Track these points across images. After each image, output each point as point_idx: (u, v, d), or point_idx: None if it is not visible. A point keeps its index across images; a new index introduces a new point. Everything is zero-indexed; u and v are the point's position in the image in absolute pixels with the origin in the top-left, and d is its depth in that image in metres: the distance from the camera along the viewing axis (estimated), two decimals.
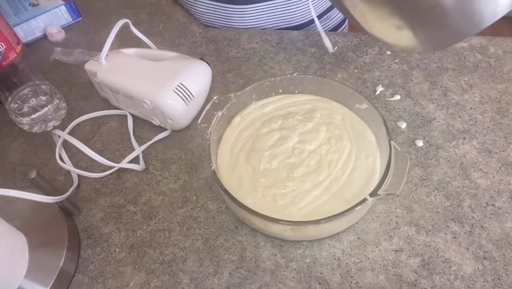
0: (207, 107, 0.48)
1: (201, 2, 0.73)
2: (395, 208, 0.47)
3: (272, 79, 0.51)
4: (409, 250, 0.43)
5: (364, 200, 0.39)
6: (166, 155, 0.55)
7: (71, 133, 0.59)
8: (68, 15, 0.77)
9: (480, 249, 0.43)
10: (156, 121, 0.56)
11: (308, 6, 0.73)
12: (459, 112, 0.54)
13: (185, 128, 0.57)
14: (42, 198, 0.46)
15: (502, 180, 0.48)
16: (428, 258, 0.43)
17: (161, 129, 0.58)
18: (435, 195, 0.47)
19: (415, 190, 0.48)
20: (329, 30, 0.82)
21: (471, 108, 0.54)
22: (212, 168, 0.44)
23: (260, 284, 0.43)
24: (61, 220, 0.48)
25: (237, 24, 0.74)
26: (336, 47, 0.62)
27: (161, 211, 0.50)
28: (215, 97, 0.49)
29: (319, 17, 0.78)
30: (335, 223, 0.41)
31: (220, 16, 0.74)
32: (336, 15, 0.82)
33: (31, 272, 0.44)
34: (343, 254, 0.44)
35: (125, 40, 0.62)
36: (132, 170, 0.54)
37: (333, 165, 0.46)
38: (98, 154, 0.53)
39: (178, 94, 0.53)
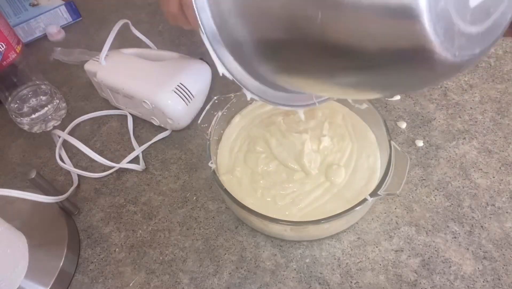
0: (207, 107, 0.48)
1: None
2: (395, 208, 0.47)
3: None
4: (409, 250, 0.43)
5: (364, 200, 0.39)
6: (166, 155, 0.55)
7: (71, 133, 0.59)
8: (68, 15, 0.77)
9: (480, 249, 0.43)
10: (156, 121, 0.56)
11: None
12: (459, 112, 0.54)
13: (185, 128, 0.57)
14: (42, 198, 0.46)
15: (502, 180, 0.48)
16: (428, 258, 0.43)
17: (161, 129, 0.58)
18: (435, 195, 0.47)
19: (415, 190, 0.48)
20: None
21: (471, 108, 0.54)
22: (212, 168, 0.44)
23: (260, 284, 0.43)
24: (61, 220, 0.49)
25: None
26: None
27: (161, 211, 0.50)
28: (215, 97, 0.49)
29: None
30: (335, 223, 0.41)
31: None
32: None
33: (31, 272, 0.44)
34: (343, 254, 0.44)
35: (125, 40, 0.62)
36: (132, 170, 0.54)
37: (335, 166, 0.46)
38: (98, 154, 0.53)
39: (178, 94, 0.53)
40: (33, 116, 0.59)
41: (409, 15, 0.19)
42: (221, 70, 0.33)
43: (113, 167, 0.54)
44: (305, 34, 0.24)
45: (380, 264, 0.43)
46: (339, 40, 0.22)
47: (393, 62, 0.22)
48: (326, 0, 0.21)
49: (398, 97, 0.56)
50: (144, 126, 0.59)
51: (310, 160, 0.46)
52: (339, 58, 0.24)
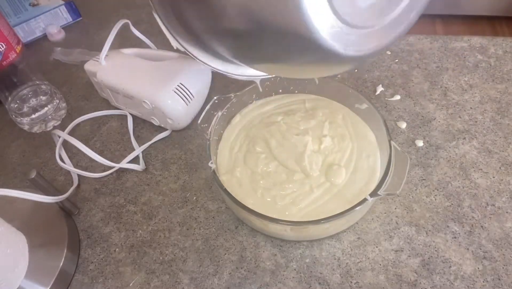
0: (207, 107, 0.48)
1: None
2: (395, 208, 0.47)
3: (272, 79, 0.51)
4: (409, 250, 0.43)
5: (364, 200, 0.39)
6: (166, 155, 0.55)
7: (71, 133, 0.59)
8: (68, 15, 0.77)
9: (480, 249, 0.43)
10: (156, 121, 0.56)
11: None
12: (459, 112, 0.54)
13: (185, 128, 0.57)
14: (42, 198, 0.46)
15: (502, 180, 0.48)
16: (428, 258, 0.43)
17: (161, 129, 0.58)
18: (435, 195, 0.47)
19: (415, 190, 0.48)
20: None
21: (471, 108, 0.54)
22: (212, 168, 0.44)
23: (260, 284, 0.43)
24: (61, 220, 0.49)
25: None
26: None
27: (161, 211, 0.50)
28: (215, 97, 0.49)
29: None
30: (335, 223, 0.41)
31: None
32: None
33: (31, 272, 0.44)
34: (343, 254, 0.44)
35: (125, 40, 0.62)
36: (132, 170, 0.54)
37: (336, 167, 0.46)
38: (98, 154, 0.53)
39: (178, 94, 0.53)
40: (33, 116, 0.59)
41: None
42: (175, 44, 0.34)
43: (113, 167, 0.54)
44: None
45: (380, 264, 0.43)
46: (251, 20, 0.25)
47: (292, 48, 0.25)
48: None
49: (398, 97, 0.56)
50: (144, 126, 0.59)
51: (311, 162, 0.46)
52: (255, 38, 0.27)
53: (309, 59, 0.27)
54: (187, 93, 0.53)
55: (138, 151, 0.55)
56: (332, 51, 0.24)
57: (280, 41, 0.25)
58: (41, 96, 0.60)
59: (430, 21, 1.72)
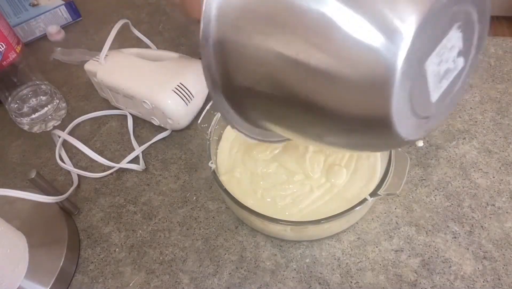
0: (207, 107, 0.48)
1: None
2: (395, 208, 0.47)
3: None
4: (409, 250, 0.43)
5: (364, 200, 0.39)
6: (166, 155, 0.55)
7: (71, 133, 0.59)
8: (68, 15, 0.77)
9: (480, 249, 0.43)
10: (156, 121, 0.56)
11: None
12: (459, 112, 0.54)
13: (185, 128, 0.57)
14: (42, 198, 0.46)
15: (502, 180, 0.48)
16: (428, 258, 0.43)
17: (161, 129, 0.58)
18: (435, 195, 0.47)
19: (415, 190, 0.48)
20: None
21: (471, 108, 0.54)
22: (212, 168, 0.44)
23: (260, 284, 0.43)
24: (61, 220, 0.49)
25: None
26: None
27: (161, 211, 0.50)
28: None
29: None
30: (335, 223, 0.41)
31: None
32: None
33: (31, 272, 0.44)
34: (343, 254, 0.44)
35: (125, 40, 0.62)
36: (132, 170, 0.54)
37: (337, 167, 0.46)
38: (98, 154, 0.53)
39: (178, 94, 0.53)
40: (33, 116, 0.59)
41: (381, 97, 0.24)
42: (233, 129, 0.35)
43: (113, 167, 0.54)
44: (287, 92, 0.27)
45: (380, 264, 0.43)
46: (316, 101, 0.26)
47: (362, 129, 0.27)
48: (313, 69, 0.25)
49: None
50: (144, 126, 0.59)
51: (313, 163, 0.45)
52: (312, 115, 0.28)
53: (372, 142, 0.29)
54: (187, 93, 0.53)
55: (138, 151, 0.55)
56: (402, 140, 0.26)
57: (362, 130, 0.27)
58: (41, 96, 0.60)
59: None
